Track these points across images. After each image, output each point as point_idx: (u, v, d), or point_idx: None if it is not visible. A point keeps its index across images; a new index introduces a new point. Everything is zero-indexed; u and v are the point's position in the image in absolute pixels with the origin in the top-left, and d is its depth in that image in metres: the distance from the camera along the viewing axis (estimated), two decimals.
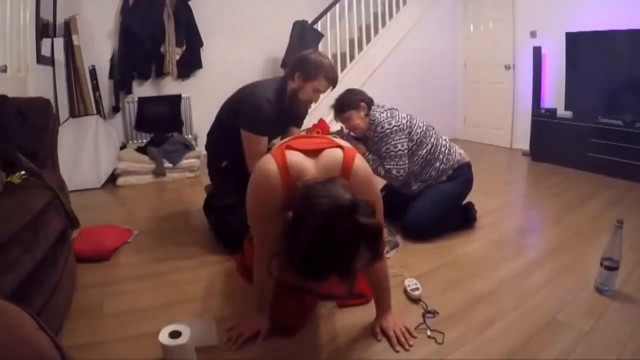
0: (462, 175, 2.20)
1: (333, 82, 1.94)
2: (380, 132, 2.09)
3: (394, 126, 2.07)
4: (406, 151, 2.09)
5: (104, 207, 2.80)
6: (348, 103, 2.14)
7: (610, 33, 3.29)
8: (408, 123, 2.12)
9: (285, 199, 1.10)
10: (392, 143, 2.07)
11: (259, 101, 1.89)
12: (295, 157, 1.17)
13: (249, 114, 1.91)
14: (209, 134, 2.20)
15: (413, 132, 2.12)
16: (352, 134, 2.24)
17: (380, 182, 2.10)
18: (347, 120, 2.16)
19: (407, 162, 2.10)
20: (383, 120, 2.09)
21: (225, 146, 2.07)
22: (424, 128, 2.16)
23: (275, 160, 1.17)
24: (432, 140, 2.16)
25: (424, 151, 2.14)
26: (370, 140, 2.18)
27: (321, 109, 3.80)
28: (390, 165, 2.09)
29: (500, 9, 4.35)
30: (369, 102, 2.17)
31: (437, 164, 2.16)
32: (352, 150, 1.23)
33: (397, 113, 2.14)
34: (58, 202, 1.45)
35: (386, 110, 2.14)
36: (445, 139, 2.23)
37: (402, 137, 2.08)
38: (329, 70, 1.90)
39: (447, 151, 2.18)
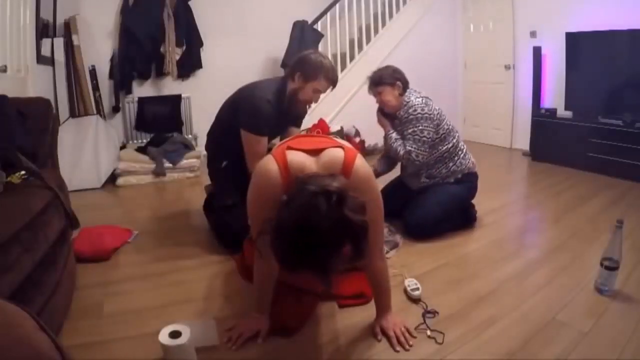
0: (469, 182, 2.23)
1: (333, 82, 1.94)
2: (411, 114, 2.11)
3: (426, 112, 2.10)
4: (430, 140, 2.12)
5: (104, 207, 2.80)
6: (385, 78, 2.17)
7: (610, 33, 3.29)
8: (439, 116, 2.15)
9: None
10: (420, 128, 2.10)
11: (259, 102, 1.89)
12: (296, 157, 1.17)
13: (248, 114, 1.91)
14: (209, 134, 2.20)
15: (440, 127, 2.15)
16: (380, 108, 2.28)
17: (380, 183, 2.11)
18: (380, 94, 2.19)
19: (427, 150, 2.12)
20: (417, 104, 2.12)
21: (225, 146, 2.07)
22: (451, 127, 2.21)
23: (276, 161, 1.17)
24: (454, 140, 2.19)
25: (445, 148, 2.17)
26: (398, 119, 2.21)
27: (321, 109, 3.82)
28: (412, 147, 2.11)
29: (500, 9, 4.34)
30: (405, 84, 2.21)
31: (451, 163, 2.19)
32: (353, 150, 1.24)
33: (431, 103, 2.18)
34: (58, 202, 1.45)
35: (422, 97, 2.17)
36: (463, 144, 2.27)
37: (430, 125, 2.11)
38: (329, 71, 1.90)
39: (463, 155, 2.22)
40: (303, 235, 0.91)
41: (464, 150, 2.24)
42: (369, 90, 2.25)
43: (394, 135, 2.21)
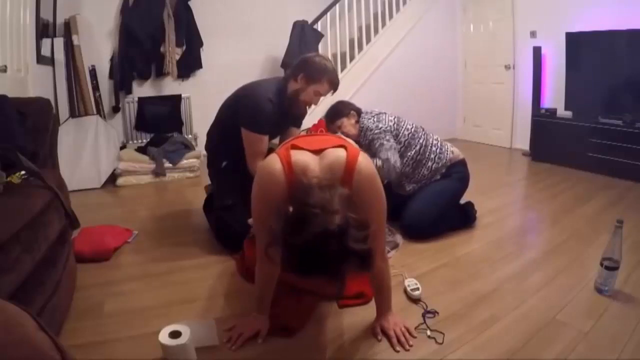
0: (457, 173, 2.22)
1: (335, 86, 1.94)
2: (369, 136, 2.16)
3: (381, 128, 2.15)
4: (397, 147, 2.14)
5: (104, 207, 2.80)
6: (340, 111, 2.25)
7: (610, 33, 3.29)
8: (395, 125, 2.18)
9: (290, 198, 1.10)
10: (385, 139, 2.13)
11: (261, 100, 1.89)
12: (300, 156, 1.17)
13: (250, 113, 1.91)
14: (209, 134, 2.20)
15: (400, 135, 2.18)
16: None
17: None
18: (339, 128, 2.23)
19: (399, 157, 2.14)
20: (370, 126, 2.18)
21: (225, 146, 2.07)
22: (412, 130, 2.21)
23: (280, 160, 1.16)
24: (421, 141, 2.20)
25: (413, 152, 2.18)
26: (361, 146, 2.20)
27: (321, 109, 3.81)
28: (386, 155, 2.11)
29: (500, 9, 4.35)
30: (358, 111, 2.28)
31: (429, 163, 2.19)
32: (356, 149, 1.23)
33: (384, 117, 2.20)
34: (58, 202, 1.45)
35: (373, 116, 2.22)
36: (436, 138, 2.26)
37: (391, 137, 2.15)
38: (332, 75, 1.90)
39: (438, 150, 2.21)
40: (311, 262, 0.90)
41: (438, 145, 2.23)
42: (328, 128, 2.30)
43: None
